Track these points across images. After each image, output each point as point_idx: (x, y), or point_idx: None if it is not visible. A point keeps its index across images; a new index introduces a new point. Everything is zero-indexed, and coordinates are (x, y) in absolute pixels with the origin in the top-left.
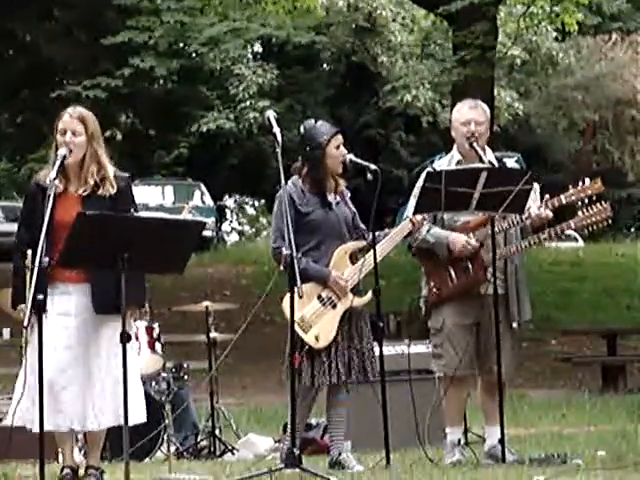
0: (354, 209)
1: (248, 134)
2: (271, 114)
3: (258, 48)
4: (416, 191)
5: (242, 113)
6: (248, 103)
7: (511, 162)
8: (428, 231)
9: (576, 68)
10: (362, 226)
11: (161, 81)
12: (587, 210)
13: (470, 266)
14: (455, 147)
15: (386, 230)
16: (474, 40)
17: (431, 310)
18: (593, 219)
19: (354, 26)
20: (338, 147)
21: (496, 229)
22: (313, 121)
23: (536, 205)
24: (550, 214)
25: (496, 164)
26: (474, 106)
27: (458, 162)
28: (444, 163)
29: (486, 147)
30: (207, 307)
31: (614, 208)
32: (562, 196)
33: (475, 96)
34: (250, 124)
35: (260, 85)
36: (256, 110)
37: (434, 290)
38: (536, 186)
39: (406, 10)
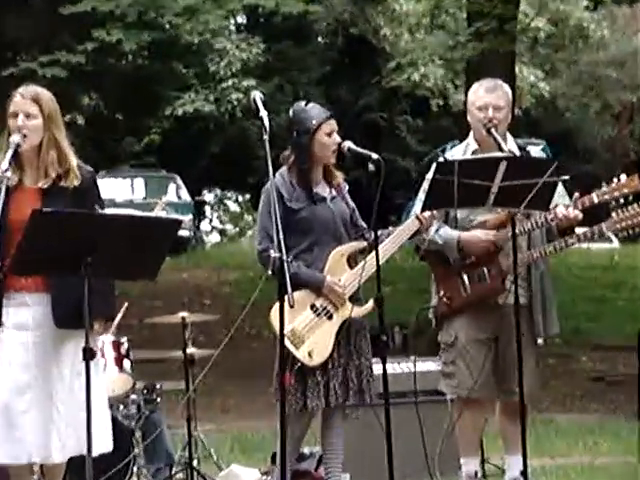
0: (353, 205)
1: (231, 118)
2: (257, 95)
3: (242, 19)
4: (425, 184)
5: (224, 94)
6: (230, 82)
7: (536, 150)
8: (437, 231)
9: (610, 41)
10: (362, 224)
11: (129, 57)
12: (622, 212)
13: (487, 272)
14: (471, 134)
15: (390, 229)
16: (492, 9)
17: (442, 322)
18: (629, 222)
19: None
20: (330, 134)
21: (518, 231)
22: (303, 103)
23: (563, 203)
24: (579, 215)
25: (518, 153)
26: (493, 88)
27: (474, 152)
28: (458, 152)
29: (507, 134)
30: (184, 318)
31: None
32: (594, 195)
33: (493, 74)
34: (233, 106)
35: (244, 61)
36: (240, 90)
37: (445, 299)
38: (560, 188)
39: None
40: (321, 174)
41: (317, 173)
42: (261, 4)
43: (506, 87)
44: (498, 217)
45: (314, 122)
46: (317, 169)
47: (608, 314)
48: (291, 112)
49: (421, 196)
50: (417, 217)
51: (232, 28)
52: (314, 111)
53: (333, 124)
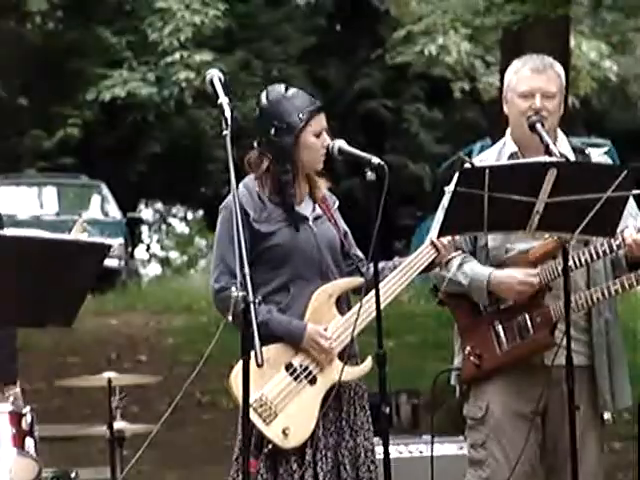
0: (345, 227)
1: (177, 106)
2: (215, 75)
3: None
4: (445, 199)
5: (168, 72)
6: (178, 56)
7: (598, 154)
8: (460, 266)
9: None
10: (357, 253)
11: (37, 19)
12: None
13: (529, 321)
14: (508, 131)
15: (396, 260)
16: None
17: (469, 390)
18: None
19: None
20: (319, 134)
21: (572, 263)
22: (283, 88)
23: (635, 225)
24: None
25: (572, 157)
26: (542, 67)
27: (512, 155)
28: (490, 156)
29: (558, 131)
30: (110, 381)
31: None
32: None
33: (540, 50)
34: (181, 90)
35: (197, 27)
36: (191, 68)
37: (473, 358)
38: (632, 205)
39: None
40: (307, 187)
41: (302, 186)
42: None
43: (558, 67)
44: (544, 245)
45: (300, 116)
46: (302, 181)
47: None
48: (264, 99)
49: (439, 215)
50: (432, 243)
51: None
52: (298, 101)
53: (323, 120)
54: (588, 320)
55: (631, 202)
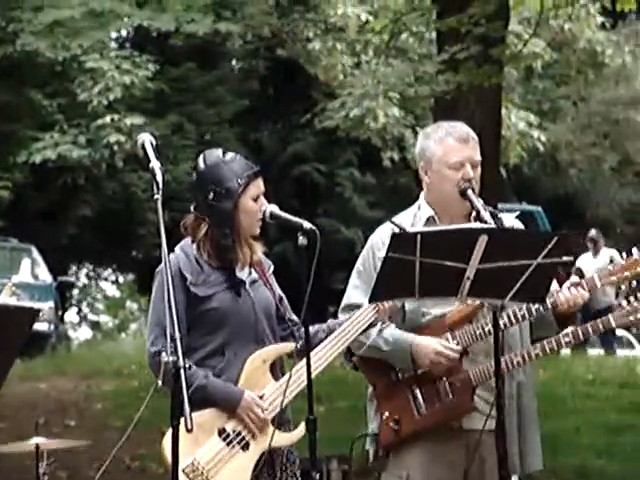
0: (280, 292)
1: (109, 169)
2: (147, 139)
3: (127, 29)
4: (360, 264)
5: (99, 135)
6: (108, 119)
7: (510, 218)
8: (380, 332)
9: (634, 72)
10: (293, 317)
11: None
12: (637, 299)
13: (448, 386)
14: (422, 195)
15: (330, 321)
16: (472, 28)
17: (387, 457)
18: None
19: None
20: (257, 198)
21: (489, 328)
22: (220, 153)
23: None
24: (585, 295)
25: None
26: (466, 137)
27: (428, 219)
28: (406, 219)
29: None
30: (38, 446)
31: None
32: (595, 276)
33: (472, 117)
34: (112, 152)
35: (127, 88)
36: (122, 131)
37: (391, 424)
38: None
39: None
40: (248, 252)
41: (244, 251)
42: (155, 26)
43: (473, 133)
44: (460, 310)
45: (239, 181)
46: (243, 245)
47: (626, 448)
48: (202, 164)
49: (354, 282)
50: (374, 305)
51: (111, 41)
52: (237, 165)
53: (260, 184)
54: (501, 384)
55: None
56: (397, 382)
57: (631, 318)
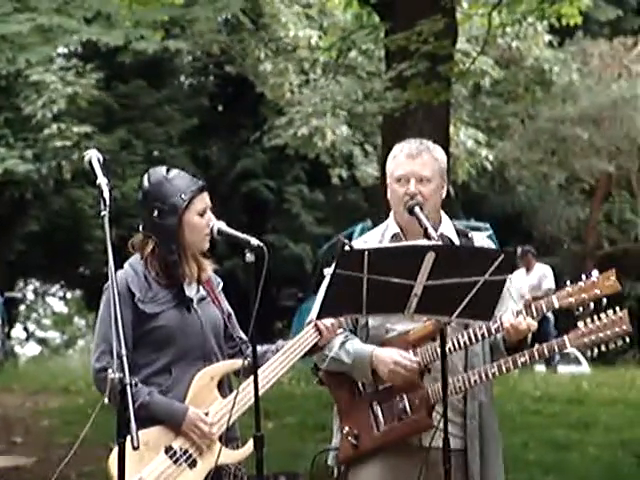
0: (229, 309)
1: (57, 184)
2: (94, 155)
3: (75, 45)
4: (325, 281)
5: (45, 147)
6: (55, 127)
7: (481, 237)
8: (342, 345)
9: (581, 90)
10: (241, 335)
11: None
12: (593, 321)
13: (407, 402)
14: (391, 214)
15: (279, 343)
16: (420, 45)
17: (347, 471)
18: (601, 335)
19: (226, 18)
20: (203, 213)
21: (450, 345)
22: (164, 170)
23: (514, 308)
24: (534, 324)
25: (457, 241)
26: (415, 153)
27: (394, 236)
28: (373, 237)
29: (443, 214)
30: None
31: (636, 317)
32: (554, 297)
33: (420, 134)
34: (59, 166)
35: (72, 98)
36: (69, 138)
37: (350, 439)
38: (513, 288)
39: None
40: (196, 268)
41: (191, 267)
42: (104, 41)
43: (437, 151)
44: (424, 327)
45: (183, 197)
46: (190, 261)
47: (574, 464)
48: (146, 182)
49: (319, 297)
50: (315, 326)
51: (55, 56)
52: (180, 181)
53: (206, 198)
54: (464, 403)
55: (514, 286)
56: (359, 398)
57: (586, 340)
